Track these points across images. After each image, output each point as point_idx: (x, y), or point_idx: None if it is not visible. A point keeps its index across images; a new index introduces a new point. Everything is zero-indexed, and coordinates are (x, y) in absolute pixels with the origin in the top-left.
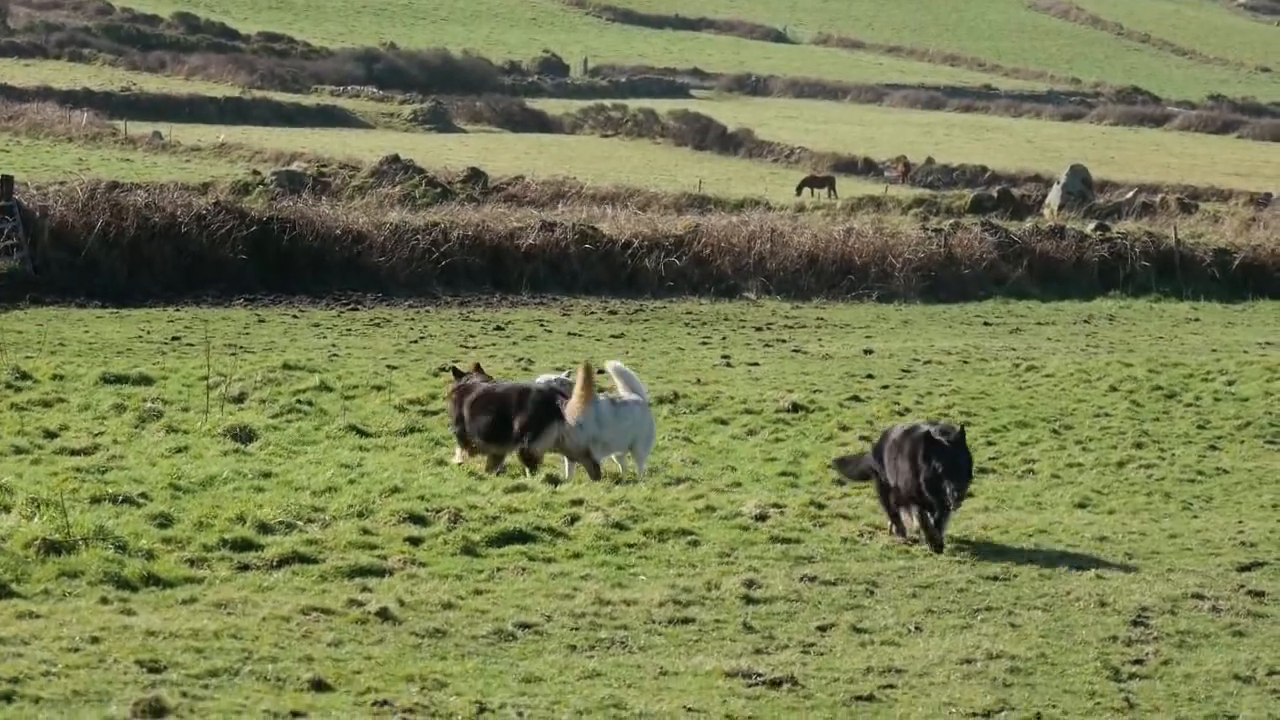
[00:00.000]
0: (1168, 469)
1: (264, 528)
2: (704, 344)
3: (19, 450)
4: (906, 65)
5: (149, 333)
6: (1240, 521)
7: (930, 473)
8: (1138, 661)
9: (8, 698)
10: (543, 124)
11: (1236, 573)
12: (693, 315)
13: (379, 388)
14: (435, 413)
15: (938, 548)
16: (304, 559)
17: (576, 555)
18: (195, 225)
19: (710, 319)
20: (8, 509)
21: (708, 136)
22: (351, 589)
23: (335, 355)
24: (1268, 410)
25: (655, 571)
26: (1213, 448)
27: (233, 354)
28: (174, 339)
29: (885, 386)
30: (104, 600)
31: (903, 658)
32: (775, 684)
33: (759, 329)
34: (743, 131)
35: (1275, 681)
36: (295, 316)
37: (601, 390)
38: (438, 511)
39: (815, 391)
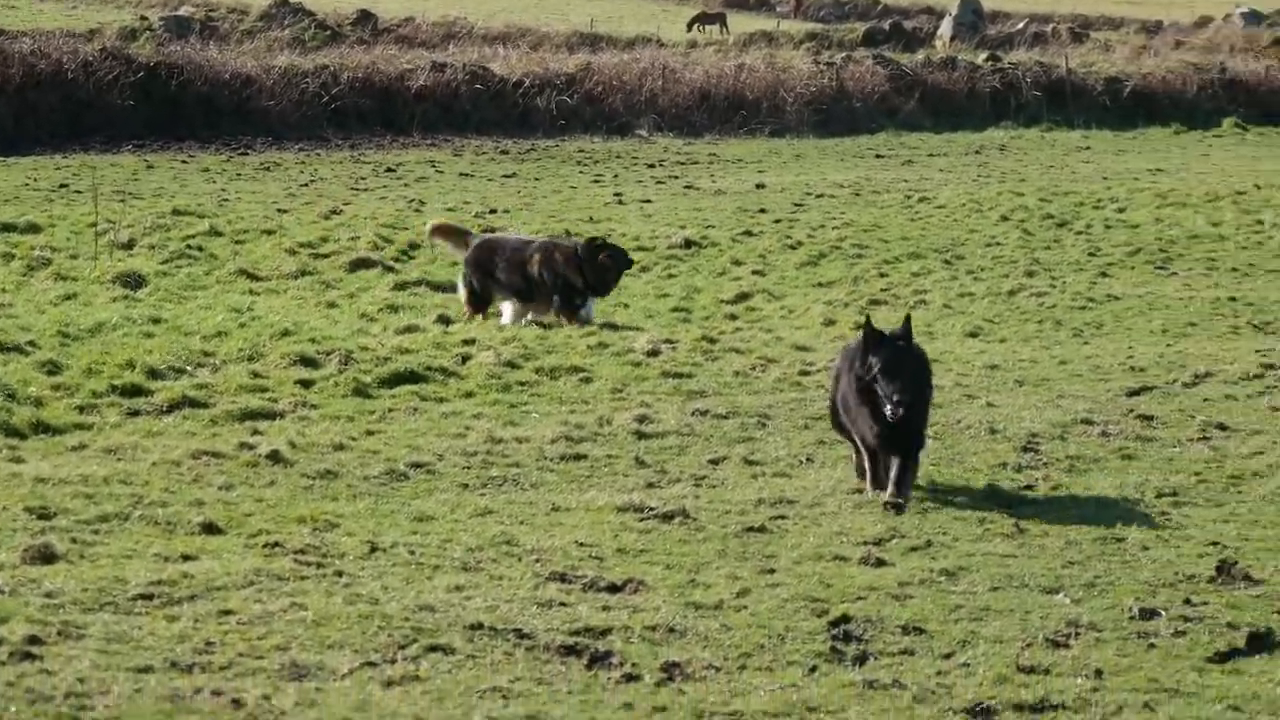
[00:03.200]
0: (1059, 297)
1: (154, 373)
2: (596, 182)
3: None
4: None
5: (36, 180)
6: (1130, 347)
7: (865, 371)
8: (1027, 487)
9: None
10: None
11: (1126, 397)
12: (585, 154)
13: (269, 232)
14: (326, 256)
15: (889, 504)
16: (194, 403)
17: (469, 394)
18: (82, 72)
19: (602, 157)
20: None
21: None
22: (242, 432)
23: (225, 200)
24: (1158, 236)
25: (547, 409)
26: (1103, 274)
27: (121, 200)
28: (61, 186)
29: (778, 221)
30: None
31: (794, 489)
32: (667, 517)
33: (651, 166)
34: None
35: (1162, 503)
36: (184, 162)
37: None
38: (329, 354)
39: (708, 227)
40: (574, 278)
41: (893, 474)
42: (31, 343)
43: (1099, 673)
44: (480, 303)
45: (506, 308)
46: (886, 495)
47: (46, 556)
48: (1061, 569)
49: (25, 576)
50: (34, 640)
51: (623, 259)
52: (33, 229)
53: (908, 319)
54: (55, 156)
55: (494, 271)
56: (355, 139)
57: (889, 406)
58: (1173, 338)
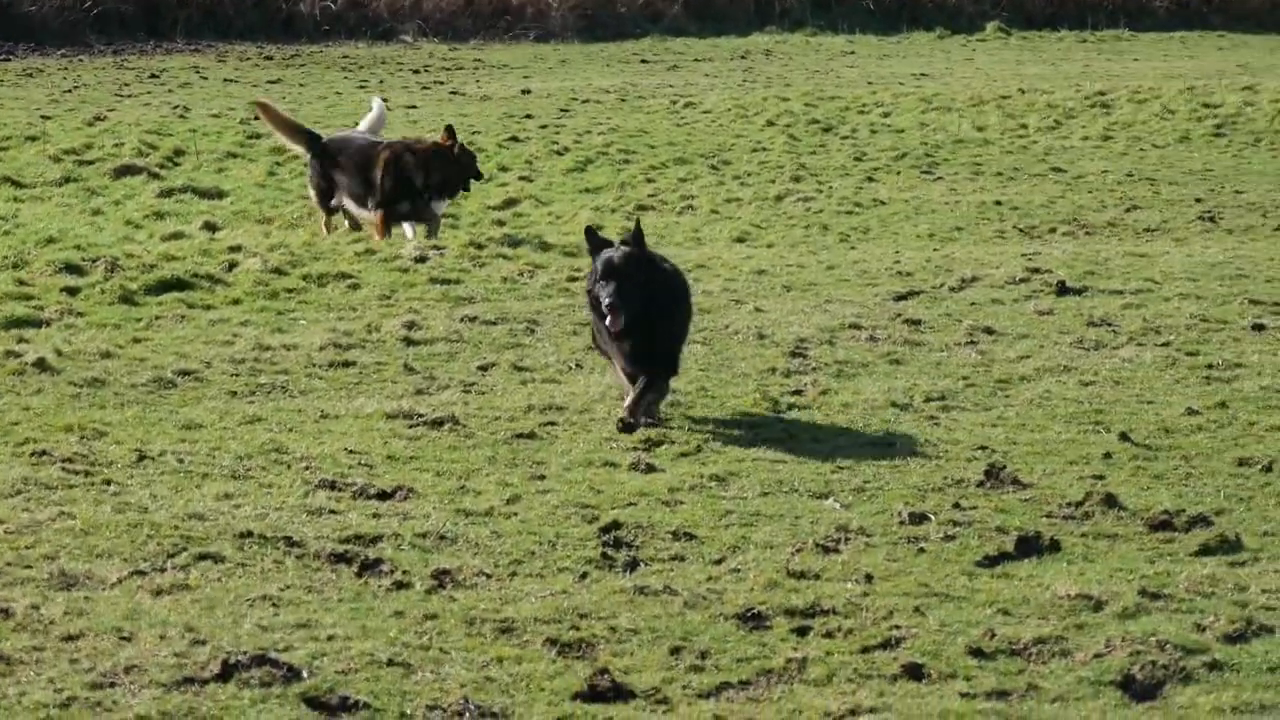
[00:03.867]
0: (825, 201)
1: None
2: (361, 88)
3: None
4: None
5: None
6: (897, 252)
7: (590, 280)
8: (796, 392)
9: None
10: None
11: (893, 302)
12: (349, 59)
13: (33, 138)
14: (91, 163)
15: (620, 420)
16: None
17: (236, 302)
18: None
19: (367, 63)
20: None
21: None
22: (7, 340)
23: None
24: (923, 141)
25: (315, 316)
26: (870, 179)
27: None
28: None
29: (544, 126)
30: None
31: (563, 395)
32: (437, 424)
33: (416, 72)
34: None
35: (931, 408)
36: None
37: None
38: (94, 261)
39: (474, 133)
40: (416, 176)
41: (632, 392)
42: None
43: (869, 577)
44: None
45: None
46: (621, 411)
47: None
48: (831, 474)
49: None
50: None
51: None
52: None
53: (638, 224)
54: None
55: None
56: (118, 45)
57: (607, 316)
58: (939, 242)
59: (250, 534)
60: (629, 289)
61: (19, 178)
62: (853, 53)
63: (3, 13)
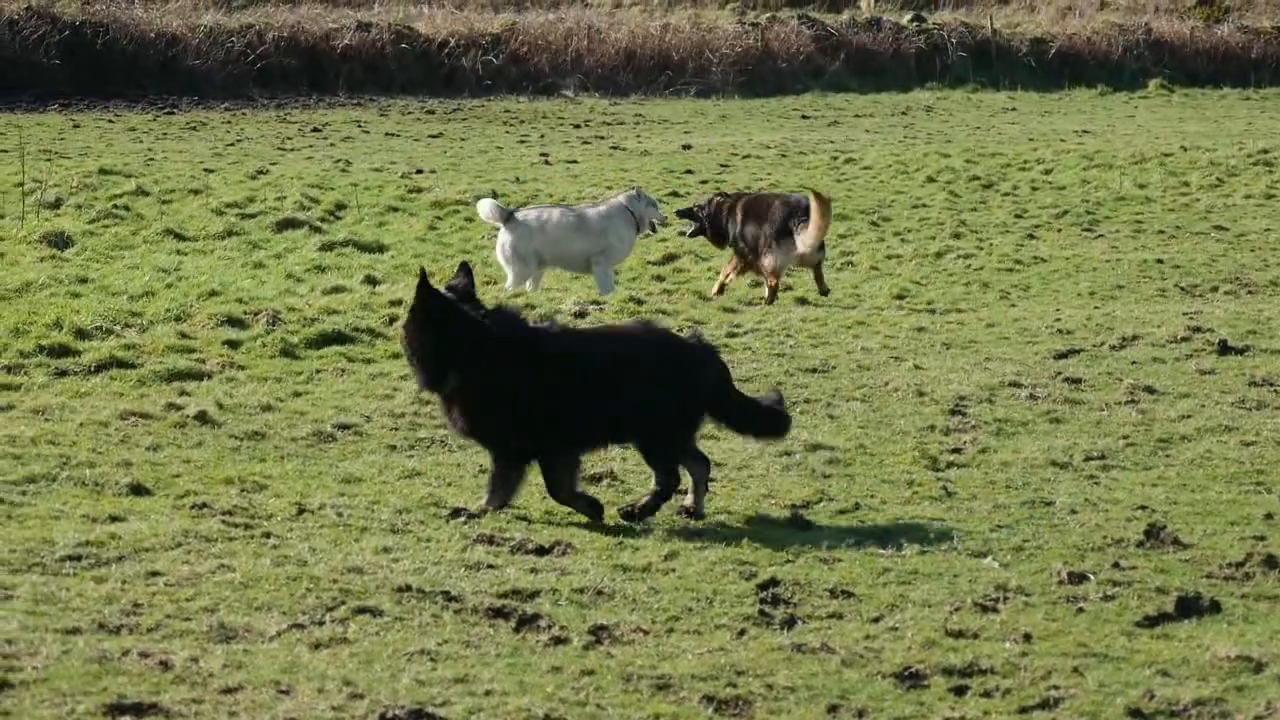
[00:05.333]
0: (985, 258)
1: (81, 333)
2: (522, 142)
3: None
4: None
5: None
6: (1057, 310)
7: None
8: (955, 450)
9: None
10: None
11: (1053, 360)
12: (510, 114)
13: (196, 191)
14: (253, 216)
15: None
16: (122, 364)
17: (396, 356)
18: (7, 31)
19: (528, 117)
20: None
21: None
22: (169, 393)
23: (152, 159)
24: (1084, 198)
25: None
26: (1030, 236)
27: (48, 160)
28: None
29: (704, 182)
30: None
31: (722, 451)
32: (595, 479)
33: (577, 126)
34: None
35: (1091, 467)
36: (111, 121)
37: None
38: (256, 314)
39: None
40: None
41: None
42: None
43: (1028, 637)
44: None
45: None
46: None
47: None
48: (990, 533)
49: None
50: None
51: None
52: None
53: (462, 265)
54: None
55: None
56: (281, 98)
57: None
58: (1100, 300)
59: (409, 588)
60: (428, 353)
61: (182, 231)
62: (1014, 109)
63: (168, 66)
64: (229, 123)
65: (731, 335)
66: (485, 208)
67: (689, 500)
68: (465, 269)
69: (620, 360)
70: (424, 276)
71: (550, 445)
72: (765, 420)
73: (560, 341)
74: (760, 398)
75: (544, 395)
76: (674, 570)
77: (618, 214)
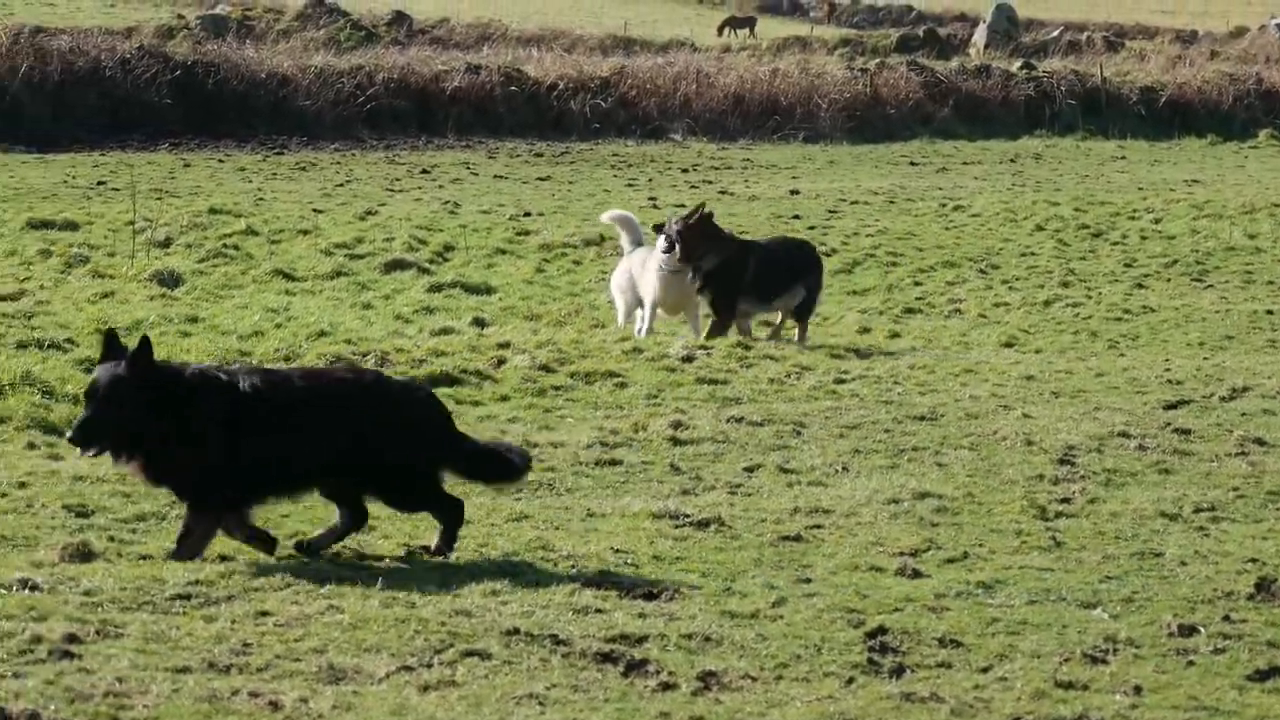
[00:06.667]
0: (1094, 307)
1: None
2: (630, 186)
3: None
4: None
5: (74, 178)
6: (1167, 359)
7: None
8: (1064, 500)
9: None
10: None
11: (1163, 410)
12: (619, 157)
13: (305, 231)
14: (362, 256)
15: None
16: None
17: (504, 398)
18: (120, 70)
19: (636, 161)
20: None
21: None
22: None
23: (261, 199)
24: (1194, 248)
25: (582, 413)
26: (1139, 286)
27: (158, 198)
28: (99, 184)
29: (812, 227)
30: (31, 445)
31: (830, 498)
32: (702, 525)
33: (685, 170)
34: None
35: (1201, 518)
36: (221, 160)
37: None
38: (364, 355)
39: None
40: None
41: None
42: (70, 340)
43: (1138, 689)
44: None
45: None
46: None
47: (84, 554)
48: (1099, 584)
49: (64, 574)
50: (72, 639)
51: None
52: (70, 226)
53: (144, 340)
54: (93, 154)
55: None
56: (390, 140)
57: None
58: (1210, 351)
59: (517, 631)
60: (96, 409)
61: (291, 271)
62: (1123, 157)
63: (278, 107)
64: (338, 163)
65: (839, 382)
66: (623, 216)
67: (434, 541)
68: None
69: (322, 403)
70: (144, 345)
71: (244, 493)
72: (494, 465)
73: (254, 385)
74: (493, 442)
75: (238, 440)
76: (782, 617)
77: None
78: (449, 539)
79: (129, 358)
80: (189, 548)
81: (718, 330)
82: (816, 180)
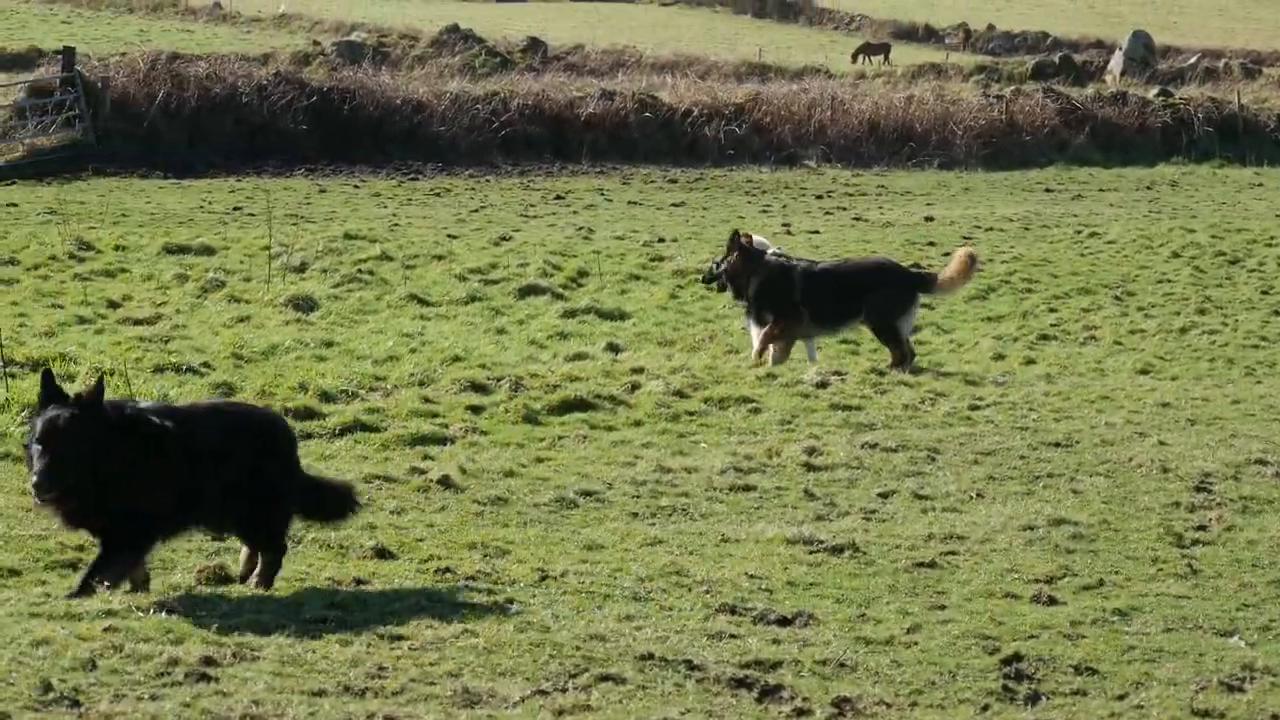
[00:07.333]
0: (1231, 335)
1: (326, 396)
2: (764, 212)
3: (83, 320)
4: None
5: (211, 203)
6: None
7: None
8: (1201, 527)
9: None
10: None
11: None
12: (753, 183)
13: (440, 257)
14: (496, 282)
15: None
16: (366, 427)
17: (638, 423)
18: (256, 96)
19: (770, 187)
20: (72, 378)
21: (767, 4)
22: (413, 457)
23: (396, 225)
24: None
25: (716, 439)
26: (1276, 313)
27: (294, 224)
28: (235, 209)
29: (947, 254)
30: None
31: (964, 524)
32: (837, 550)
33: (819, 197)
34: None
35: None
36: (356, 186)
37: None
38: (499, 380)
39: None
40: None
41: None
42: (206, 364)
43: (1275, 718)
44: None
45: None
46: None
47: (221, 578)
48: (1236, 611)
49: (200, 597)
50: (209, 661)
51: None
52: (207, 251)
53: (99, 381)
54: (229, 179)
55: None
56: (524, 165)
57: (34, 483)
58: None
59: (651, 656)
60: (56, 458)
61: (426, 296)
62: (1260, 184)
63: (413, 133)
64: (473, 189)
65: (974, 408)
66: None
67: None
68: (99, 384)
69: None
70: (100, 387)
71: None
72: (330, 502)
73: (146, 419)
74: (326, 479)
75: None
76: (916, 643)
77: None
78: (268, 576)
79: (84, 399)
80: (110, 576)
81: (767, 341)
82: (951, 207)
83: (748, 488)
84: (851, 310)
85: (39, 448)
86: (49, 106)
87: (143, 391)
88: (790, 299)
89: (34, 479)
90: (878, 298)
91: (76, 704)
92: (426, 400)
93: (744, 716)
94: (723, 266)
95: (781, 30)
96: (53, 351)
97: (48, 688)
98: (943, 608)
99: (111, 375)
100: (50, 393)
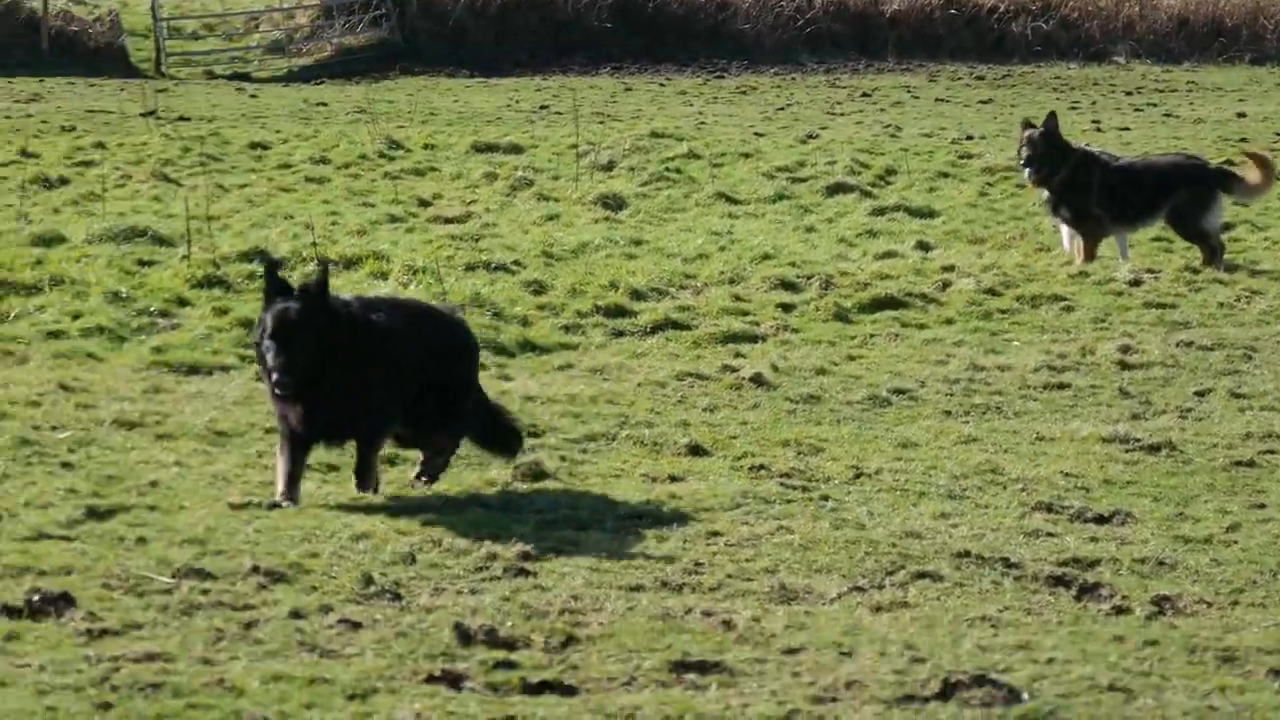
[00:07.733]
0: None
1: (636, 294)
2: (1073, 109)
3: (394, 219)
4: None
5: (517, 101)
6: None
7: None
8: None
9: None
10: None
11: None
12: (1060, 80)
13: (747, 155)
14: (804, 180)
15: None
16: (677, 325)
17: (949, 321)
18: None
19: (1078, 84)
20: (385, 275)
21: None
22: (725, 355)
23: (702, 123)
24: None
25: (1028, 337)
26: None
27: (600, 122)
28: (542, 108)
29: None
30: (482, 366)
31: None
32: (1153, 449)
33: (1128, 93)
34: None
35: None
36: (661, 84)
37: None
38: (808, 278)
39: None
40: None
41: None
42: (517, 262)
43: None
44: None
45: None
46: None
47: (537, 474)
48: None
49: (518, 493)
50: (527, 556)
51: None
52: (515, 150)
53: (323, 268)
54: (535, 78)
55: None
56: (830, 63)
57: (273, 381)
58: None
59: (968, 554)
60: (296, 352)
61: (734, 194)
62: None
63: (718, 30)
64: (778, 87)
65: None
66: None
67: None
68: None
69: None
70: (324, 274)
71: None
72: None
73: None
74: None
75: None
76: (1236, 542)
77: None
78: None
79: (310, 290)
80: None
81: (1088, 254)
82: (1264, 103)
83: (1062, 386)
84: (1148, 207)
85: (271, 344)
86: (356, 6)
87: (454, 291)
88: (1088, 195)
89: (273, 377)
90: (1182, 196)
91: (397, 597)
92: (737, 298)
93: (1063, 614)
94: (1025, 150)
95: None
96: (365, 250)
97: (369, 580)
98: (1262, 507)
99: (424, 273)
100: (276, 285)
